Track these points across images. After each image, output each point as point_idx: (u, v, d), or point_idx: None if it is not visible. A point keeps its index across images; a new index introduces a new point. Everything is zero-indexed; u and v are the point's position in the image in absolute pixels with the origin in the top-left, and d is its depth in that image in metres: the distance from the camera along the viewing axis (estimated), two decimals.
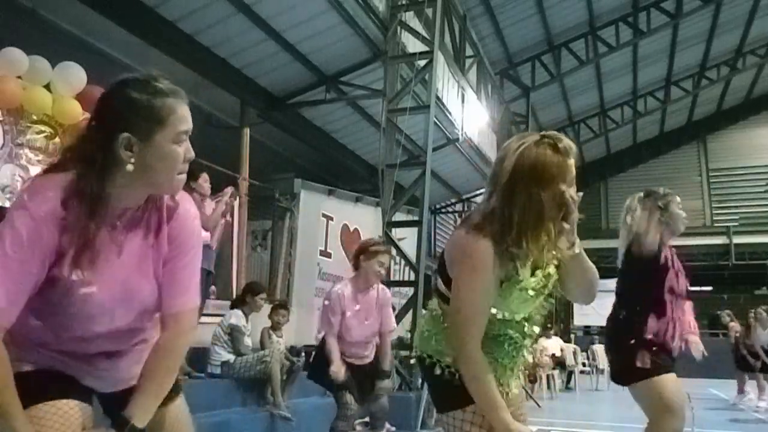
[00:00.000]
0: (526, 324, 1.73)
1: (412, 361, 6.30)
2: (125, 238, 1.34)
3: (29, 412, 1.26)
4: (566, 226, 1.60)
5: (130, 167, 1.25)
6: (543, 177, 1.55)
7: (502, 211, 1.57)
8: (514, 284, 1.64)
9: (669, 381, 2.78)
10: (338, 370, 3.62)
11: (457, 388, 1.65)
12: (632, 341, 2.83)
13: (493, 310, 1.65)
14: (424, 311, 1.87)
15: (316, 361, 4.01)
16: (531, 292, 1.67)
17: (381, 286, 3.98)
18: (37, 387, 1.31)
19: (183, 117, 1.30)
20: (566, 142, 1.61)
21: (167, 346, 1.40)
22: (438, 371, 1.71)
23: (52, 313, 1.32)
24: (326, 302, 3.87)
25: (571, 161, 1.60)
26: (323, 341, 3.87)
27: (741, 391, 9.77)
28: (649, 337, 2.81)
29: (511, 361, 1.73)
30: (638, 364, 2.76)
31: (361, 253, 3.78)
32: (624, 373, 2.87)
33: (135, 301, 1.37)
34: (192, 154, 1.33)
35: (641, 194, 3.04)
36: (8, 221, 1.22)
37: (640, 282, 2.92)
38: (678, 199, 3.00)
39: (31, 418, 1.25)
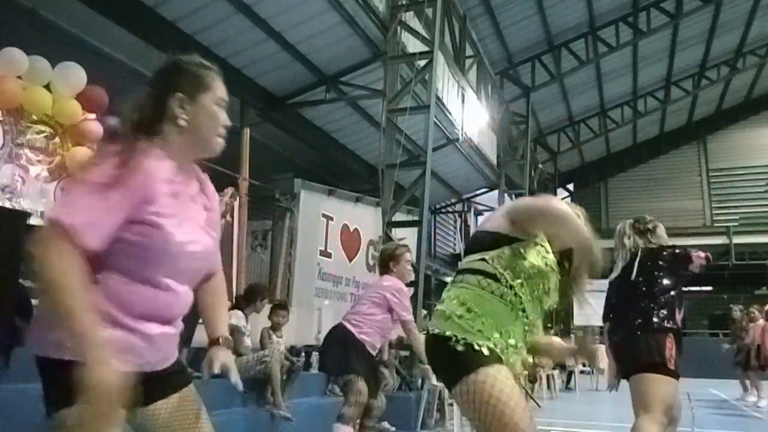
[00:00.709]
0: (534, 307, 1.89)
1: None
2: (186, 191, 1.54)
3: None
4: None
5: (182, 122, 1.49)
6: None
7: None
8: (531, 243, 1.85)
9: (671, 384, 3.01)
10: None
11: (470, 355, 1.74)
12: (667, 324, 3.09)
13: (507, 275, 1.83)
14: (448, 292, 1.92)
15: (330, 348, 4.04)
16: (546, 255, 1.86)
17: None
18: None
19: (221, 87, 1.59)
20: None
21: (221, 286, 1.75)
22: (461, 347, 1.75)
23: (144, 257, 1.43)
24: (400, 288, 3.98)
25: None
26: (338, 331, 3.91)
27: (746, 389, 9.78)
28: (675, 326, 3.10)
29: (519, 341, 1.85)
30: (665, 352, 2.98)
31: (390, 260, 4.00)
32: (644, 357, 3.03)
33: (202, 240, 1.55)
34: (229, 122, 1.58)
35: (631, 221, 3.48)
36: (102, 168, 1.37)
37: (677, 292, 3.24)
38: (662, 225, 3.45)
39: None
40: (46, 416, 1.38)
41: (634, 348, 3.08)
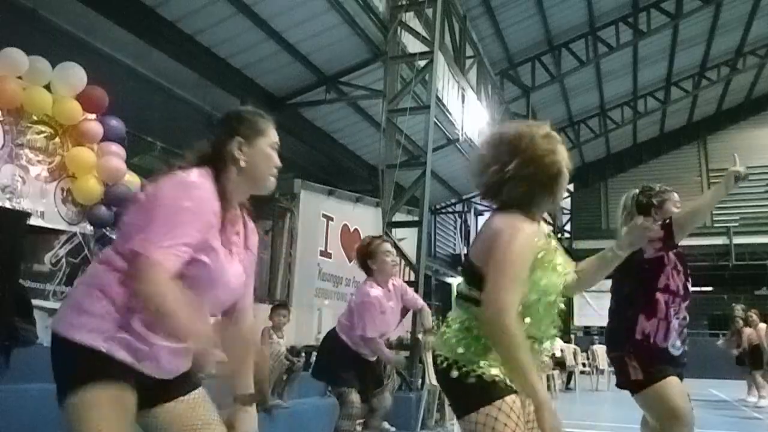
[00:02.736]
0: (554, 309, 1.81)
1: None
2: (232, 228, 1.69)
3: (91, 390, 1.45)
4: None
5: (243, 163, 1.66)
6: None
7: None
8: (548, 263, 1.75)
9: (670, 386, 2.68)
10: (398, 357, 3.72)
11: (476, 388, 1.67)
12: (621, 347, 2.78)
13: (534, 296, 1.72)
14: (448, 320, 1.84)
15: (322, 358, 3.96)
16: (560, 268, 1.78)
17: (396, 279, 3.98)
18: (101, 369, 1.48)
19: (274, 132, 1.75)
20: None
21: (251, 335, 1.92)
22: (455, 374, 1.70)
23: (197, 280, 1.57)
24: (363, 301, 3.71)
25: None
26: (330, 338, 3.84)
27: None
28: (639, 338, 2.72)
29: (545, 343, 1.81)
30: (631, 377, 2.70)
31: (366, 258, 3.73)
32: (623, 384, 2.80)
33: (240, 278, 1.70)
34: (280, 164, 1.73)
35: (636, 191, 2.98)
36: (176, 193, 1.53)
37: (631, 279, 2.82)
38: (676, 196, 2.92)
39: (91, 397, 1.45)
40: (58, 401, 1.48)
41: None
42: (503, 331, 1.60)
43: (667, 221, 2.77)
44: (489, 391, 1.67)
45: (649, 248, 2.75)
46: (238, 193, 1.70)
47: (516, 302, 1.63)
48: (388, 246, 3.76)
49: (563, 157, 1.75)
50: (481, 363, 1.69)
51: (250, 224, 1.79)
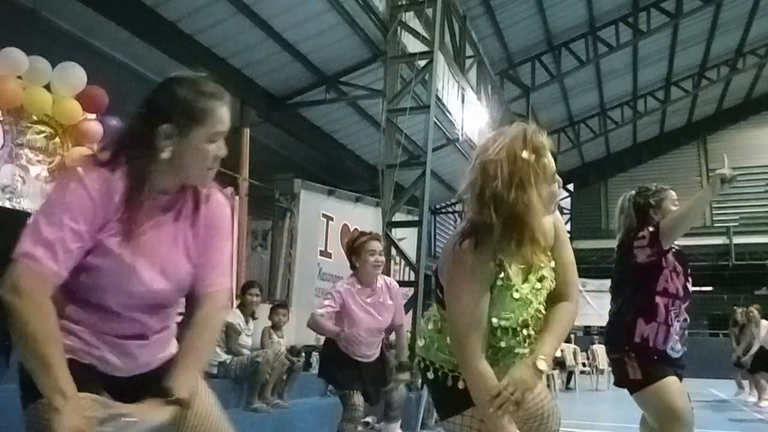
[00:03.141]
0: (524, 329, 1.68)
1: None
2: (163, 217, 1.45)
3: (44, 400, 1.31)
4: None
5: (165, 155, 1.36)
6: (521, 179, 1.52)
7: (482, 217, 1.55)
8: (505, 289, 1.63)
9: (669, 386, 2.65)
10: (339, 330, 3.58)
11: (453, 393, 1.65)
12: (620, 348, 2.76)
13: (493, 320, 1.63)
14: (425, 316, 1.85)
15: (323, 362, 3.99)
16: (525, 296, 1.64)
17: (389, 279, 3.95)
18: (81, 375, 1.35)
19: (220, 119, 1.40)
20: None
21: (205, 321, 1.48)
22: (431, 375, 1.71)
23: (96, 285, 1.39)
24: (329, 293, 3.81)
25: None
26: (326, 343, 3.86)
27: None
28: (638, 341, 2.71)
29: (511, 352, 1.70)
30: (630, 376, 2.70)
31: (351, 254, 3.74)
32: (621, 382, 2.80)
33: (171, 275, 1.45)
34: (223, 152, 1.43)
35: (633, 192, 2.94)
36: (62, 191, 1.34)
37: (628, 282, 2.82)
38: (673, 194, 2.88)
39: (45, 407, 1.29)
40: (22, 409, 1.42)
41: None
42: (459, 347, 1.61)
43: (653, 229, 2.72)
44: (466, 397, 1.63)
45: (640, 254, 2.73)
46: (165, 182, 1.42)
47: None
48: (375, 245, 3.67)
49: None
50: (452, 365, 1.67)
51: (207, 201, 1.51)
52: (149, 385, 1.42)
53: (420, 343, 1.81)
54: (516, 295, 1.63)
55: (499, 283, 1.62)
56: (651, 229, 2.72)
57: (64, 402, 1.25)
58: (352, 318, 3.68)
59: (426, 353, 1.75)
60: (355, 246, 3.71)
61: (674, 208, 2.82)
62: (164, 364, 1.51)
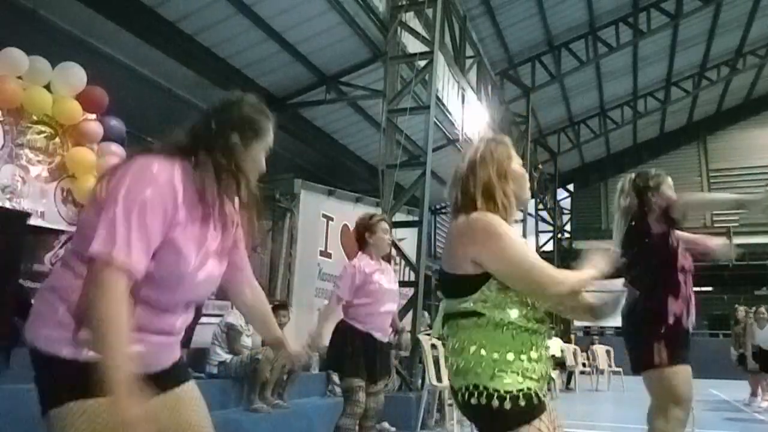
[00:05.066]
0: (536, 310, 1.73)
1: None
2: (217, 219, 1.57)
3: (83, 403, 1.34)
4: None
5: (226, 161, 1.52)
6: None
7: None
8: None
9: (685, 373, 2.78)
10: (315, 342, 3.36)
11: (499, 413, 1.61)
12: (652, 330, 2.79)
13: (498, 314, 1.68)
14: (453, 339, 1.78)
15: (333, 347, 3.80)
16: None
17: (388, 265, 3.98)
18: (93, 379, 1.37)
19: (271, 134, 1.64)
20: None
21: (262, 296, 1.91)
22: (474, 401, 1.64)
23: (155, 277, 1.44)
24: (344, 267, 3.79)
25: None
26: (337, 328, 3.75)
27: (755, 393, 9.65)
28: (671, 321, 2.77)
29: (543, 359, 1.72)
30: (656, 360, 2.75)
31: (365, 231, 3.77)
32: (640, 362, 2.85)
33: (218, 273, 1.60)
34: (264, 168, 1.64)
35: (632, 176, 3.05)
36: (141, 183, 1.39)
37: (656, 266, 2.86)
38: (670, 180, 3.00)
39: (84, 411, 1.34)
40: (41, 415, 1.40)
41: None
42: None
43: (665, 204, 2.84)
44: (517, 416, 1.61)
45: (656, 225, 2.86)
46: (215, 185, 1.54)
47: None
48: (387, 225, 3.84)
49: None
50: (499, 383, 1.63)
51: (234, 212, 1.64)
52: (158, 380, 1.49)
53: (454, 373, 1.73)
54: None
55: None
56: (662, 204, 2.85)
57: (124, 399, 1.28)
58: (374, 286, 3.67)
59: (465, 379, 1.68)
60: (370, 223, 3.80)
61: (671, 193, 2.94)
62: (170, 367, 1.59)
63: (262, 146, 1.61)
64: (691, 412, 2.89)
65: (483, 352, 1.67)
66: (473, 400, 1.64)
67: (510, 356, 1.65)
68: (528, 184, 1.92)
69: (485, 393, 1.63)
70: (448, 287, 1.79)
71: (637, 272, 2.87)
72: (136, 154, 1.48)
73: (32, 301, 1.51)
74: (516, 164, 1.90)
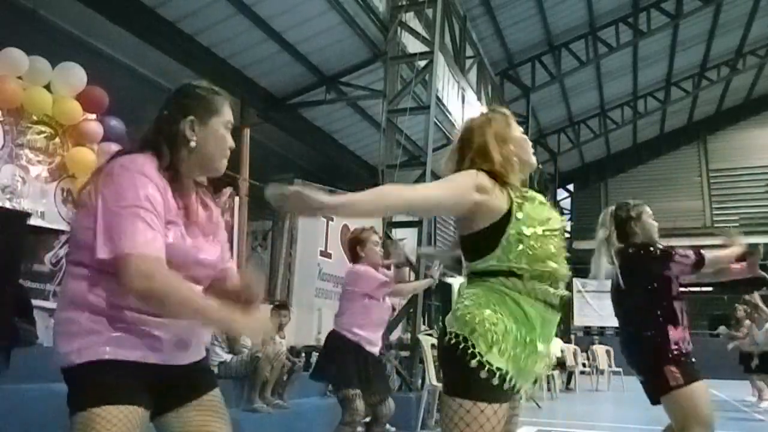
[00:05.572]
0: (551, 286, 1.74)
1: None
2: (197, 206, 1.64)
3: (99, 410, 1.39)
4: None
5: (193, 143, 1.57)
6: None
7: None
8: (529, 215, 1.74)
9: (701, 390, 2.76)
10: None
11: (473, 375, 1.65)
12: (659, 356, 2.78)
13: (523, 265, 1.71)
14: (468, 289, 1.81)
15: (323, 357, 3.84)
16: (549, 217, 1.78)
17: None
18: (110, 384, 1.43)
19: (229, 111, 1.67)
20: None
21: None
22: (459, 352, 1.68)
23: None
24: (351, 272, 3.83)
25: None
26: (329, 337, 3.76)
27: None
28: (674, 348, 2.77)
29: (547, 339, 1.77)
30: (671, 382, 2.73)
31: (356, 245, 3.84)
32: (657, 389, 2.81)
33: (216, 257, 1.65)
34: (233, 144, 1.66)
35: (612, 208, 3.09)
36: (131, 185, 1.44)
37: (653, 297, 2.87)
38: (648, 209, 3.04)
39: (96, 417, 1.38)
40: (70, 417, 1.44)
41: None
42: None
43: (696, 256, 2.88)
44: (485, 389, 1.65)
45: (675, 267, 2.87)
46: (189, 173, 1.61)
47: None
48: (377, 238, 3.91)
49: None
50: (489, 351, 1.66)
51: (211, 202, 1.72)
52: (182, 389, 1.57)
53: (454, 318, 1.76)
54: (541, 219, 1.83)
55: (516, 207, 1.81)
56: (693, 254, 2.87)
57: (236, 315, 1.48)
58: (374, 302, 3.71)
59: (462, 329, 1.71)
60: (361, 237, 3.88)
61: (651, 221, 2.99)
62: (195, 365, 1.63)
63: (220, 121, 1.63)
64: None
65: (492, 316, 1.69)
66: (458, 351, 1.68)
67: (509, 335, 1.69)
68: (531, 149, 1.93)
69: (472, 352, 1.67)
70: (469, 250, 1.84)
71: (632, 302, 2.92)
72: (115, 155, 1.55)
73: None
74: (516, 130, 1.91)
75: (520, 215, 1.74)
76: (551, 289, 1.73)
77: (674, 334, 2.79)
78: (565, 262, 1.80)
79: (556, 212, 1.85)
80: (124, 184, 1.44)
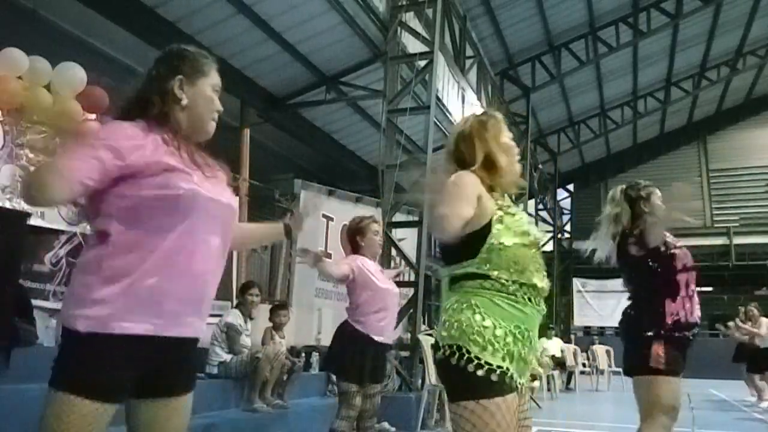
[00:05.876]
0: (532, 289, 1.77)
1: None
2: (203, 160, 1.66)
3: (74, 397, 1.41)
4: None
5: (185, 101, 1.62)
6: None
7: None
8: (508, 226, 1.77)
9: (674, 384, 2.79)
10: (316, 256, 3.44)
11: (474, 378, 1.68)
12: (650, 333, 2.81)
13: (503, 275, 1.74)
14: (450, 299, 1.85)
15: (333, 347, 3.83)
16: (527, 230, 1.80)
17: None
18: (95, 374, 1.44)
19: (216, 75, 1.71)
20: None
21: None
22: (454, 362, 1.71)
23: (178, 209, 1.54)
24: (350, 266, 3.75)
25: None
26: (339, 329, 3.77)
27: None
28: (670, 322, 2.79)
29: (526, 346, 1.76)
30: (651, 363, 2.75)
31: (356, 235, 3.83)
32: (634, 365, 2.86)
33: (229, 197, 1.71)
34: (221, 108, 1.70)
35: (624, 186, 3.13)
36: (102, 133, 1.53)
37: (651, 273, 2.91)
38: (658, 191, 3.05)
39: (68, 403, 1.41)
40: (48, 385, 1.46)
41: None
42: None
43: (638, 232, 2.91)
44: (485, 386, 1.68)
45: (633, 248, 2.92)
46: (185, 128, 1.66)
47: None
48: (377, 227, 3.88)
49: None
50: (483, 352, 1.70)
51: (212, 162, 1.74)
52: (163, 381, 1.57)
53: (441, 330, 1.80)
54: (518, 228, 1.86)
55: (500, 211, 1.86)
56: (636, 232, 2.91)
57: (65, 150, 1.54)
58: (374, 286, 3.68)
59: (451, 338, 1.74)
60: (360, 226, 3.84)
61: (659, 203, 2.99)
62: (187, 357, 1.68)
63: (208, 82, 1.68)
64: (691, 411, 2.92)
65: (478, 317, 1.72)
66: (454, 360, 1.71)
67: (499, 332, 1.71)
68: (517, 156, 1.98)
69: (467, 357, 1.70)
70: (449, 255, 1.86)
71: (636, 281, 2.98)
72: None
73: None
74: (506, 137, 1.96)
75: (499, 226, 1.77)
76: (530, 304, 1.76)
77: (672, 307, 2.83)
78: (544, 275, 1.83)
79: (534, 227, 1.89)
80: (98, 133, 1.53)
